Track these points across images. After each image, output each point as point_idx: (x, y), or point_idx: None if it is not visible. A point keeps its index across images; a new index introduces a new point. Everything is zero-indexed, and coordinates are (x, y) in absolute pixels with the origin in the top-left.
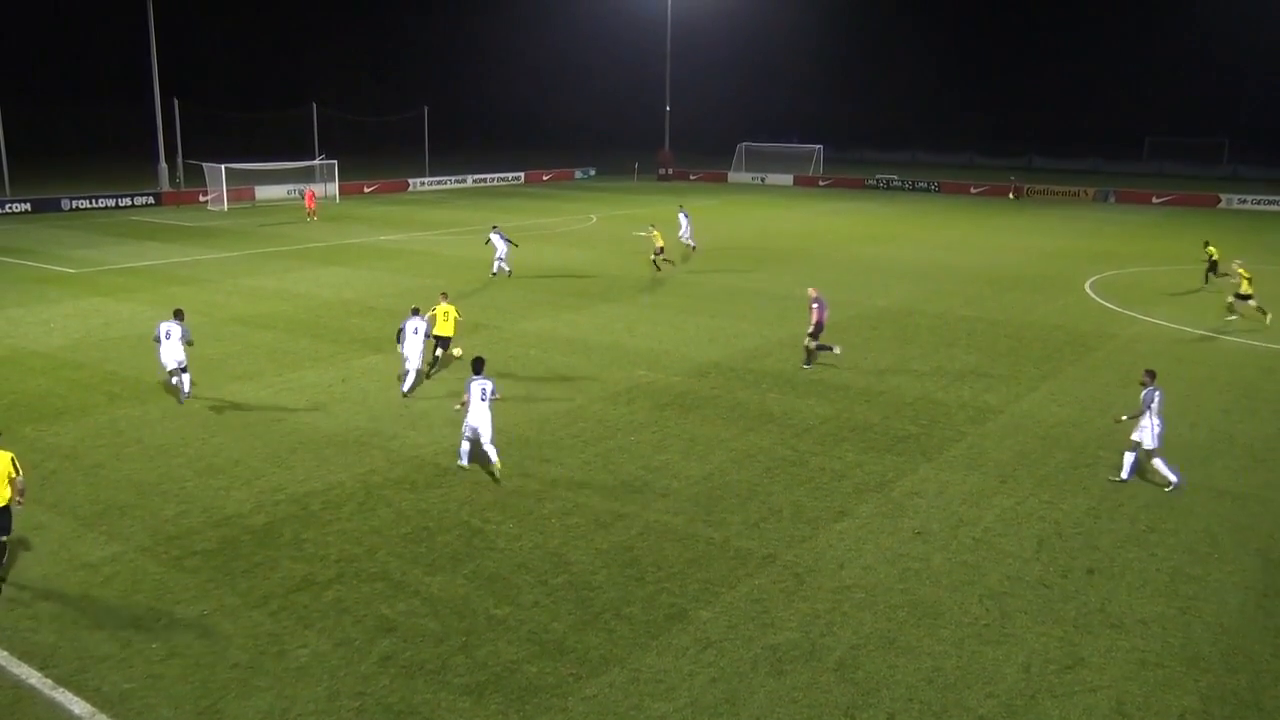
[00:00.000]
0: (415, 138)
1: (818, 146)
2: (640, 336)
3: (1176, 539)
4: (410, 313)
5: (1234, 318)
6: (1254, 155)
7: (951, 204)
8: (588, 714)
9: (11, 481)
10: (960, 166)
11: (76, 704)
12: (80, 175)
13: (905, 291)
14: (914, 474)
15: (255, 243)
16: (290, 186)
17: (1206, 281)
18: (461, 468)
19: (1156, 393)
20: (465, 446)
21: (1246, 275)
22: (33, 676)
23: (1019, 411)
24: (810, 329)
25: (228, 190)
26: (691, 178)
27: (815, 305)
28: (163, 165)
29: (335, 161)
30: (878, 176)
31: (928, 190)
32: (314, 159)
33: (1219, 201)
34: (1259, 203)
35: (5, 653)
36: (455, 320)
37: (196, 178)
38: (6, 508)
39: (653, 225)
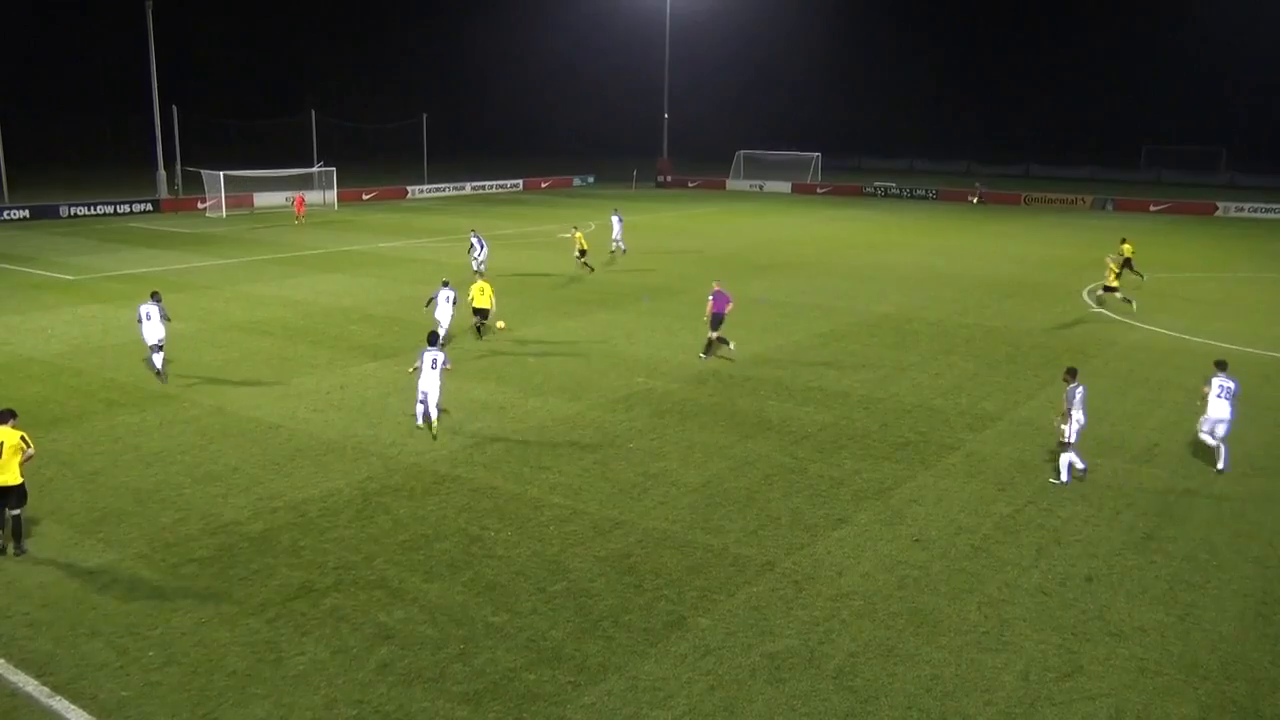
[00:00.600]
0: (414, 145)
1: (816, 154)
2: (639, 343)
3: (1175, 546)
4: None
5: (1134, 307)
6: (1252, 163)
7: (950, 212)
8: None
9: (23, 454)
10: (958, 174)
11: (73, 712)
12: (79, 182)
13: (903, 299)
14: (912, 481)
15: (254, 249)
16: (289, 194)
17: (1120, 278)
18: (417, 428)
19: (1079, 389)
20: (419, 409)
21: (1115, 269)
22: (29, 684)
23: (1017, 419)
24: (706, 318)
25: (226, 197)
26: (690, 185)
27: (711, 297)
28: (161, 172)
29: (334, 169)
30: (876, 184)
31: (926, 198)
32: (313, 166)
33: (1216, 209)
34: (1256, 210)
35: (2, 660)
36: (491, 295)
37: (195, 185)
38: (21, 485)
39: (575, 227)
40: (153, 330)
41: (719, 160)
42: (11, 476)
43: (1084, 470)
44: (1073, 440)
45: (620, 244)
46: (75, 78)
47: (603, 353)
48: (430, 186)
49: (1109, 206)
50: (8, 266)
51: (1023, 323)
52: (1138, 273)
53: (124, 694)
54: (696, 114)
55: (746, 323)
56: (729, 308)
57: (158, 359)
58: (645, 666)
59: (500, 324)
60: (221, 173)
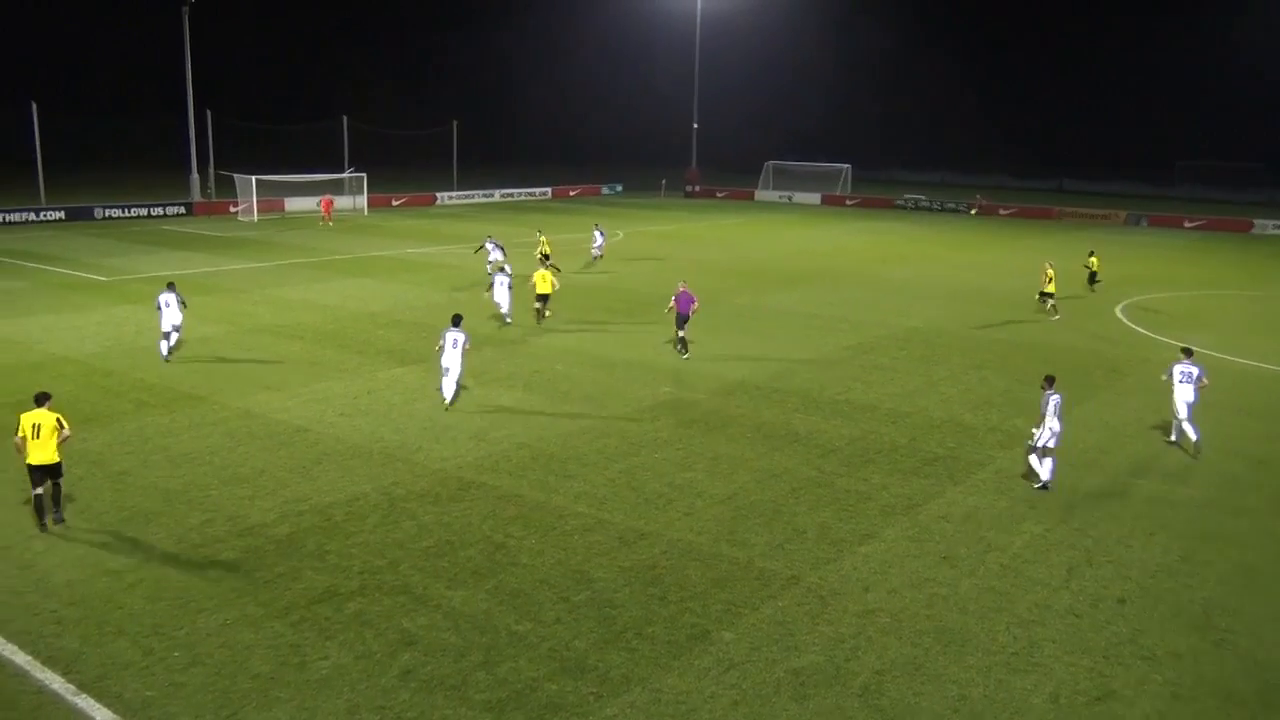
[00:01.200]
0: (444, 152)
1: (846, 166)
2: (665, 353)
3: (1211, 570)
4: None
5: (1057, 317)
6: None
7: (982, 226)
8: None
9: (57, 434)
10: (991, 188)
11: (99, 711)
12: (114, 184)
13: (934, 313)
14: (941, 497)
15: (283, 253)
16: (319, 198)
17: (1093, 290)
18: (447, 409)
19: (1053, 397)
20: (444, 383)
21: (1051, 274)
22: (55, 682)
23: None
24: (669, 314)
25: (258, 201)
26: (718, 195)
27: (675, 298)
28: (194, 176)
29: (364, 174)
30: (906, 197)
31: (957, 211)
32: (343, 171)
33: (1253, 226)
34: None
35: (29, 658)
36: (552, 282)
37: (228, 189)
38: (59, 464)
39: (540, 231)
40: (170, 317)
41: (748, 171)
42: (50, 455)
43: (1045, 483)
44: (1048, 445)
45: (599, 254)
46: (113, 80)
47: (629, 362)
48: (459, 193)
49: (1143, 222)
50: (43, 267)
51: (1056, 338)
52: (1094, 285)
53: (149, 694)
54: (726, 124)
55: (773, 334)
56: (694, 308)
57: (170, 341)
58: (668, 680)
59: (548, 313)
60: (254, 177)
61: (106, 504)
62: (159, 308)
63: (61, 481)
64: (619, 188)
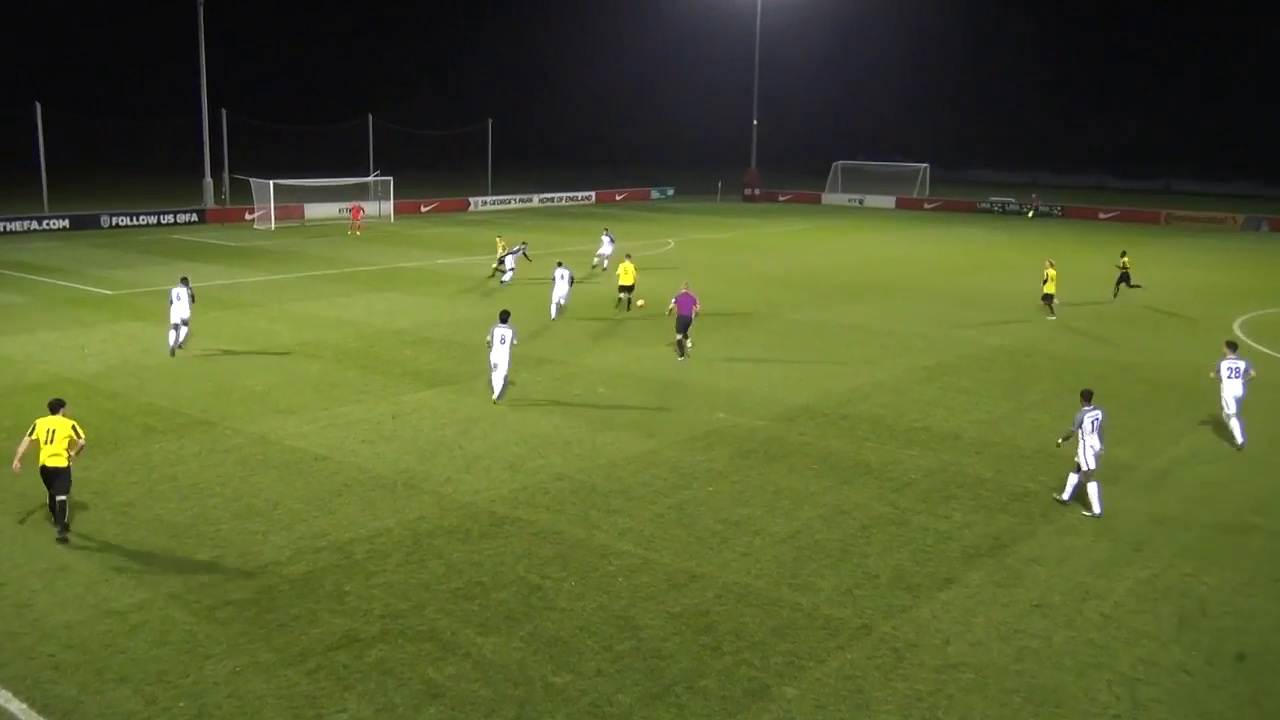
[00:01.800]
0: (477, 153)
1: (923, 165)
2: (720, 375)
3: None
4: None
5: (1053, 317)
6: None
7: (1078, 231)
8: None
9: (73, 443)
10: (1088, 189)
11: None
12: (122, 188)
13: (1022, 329)
14: (1032, 538)
15: (304, 264)
16: (342, 205)
17: (1115, 295)
18: (494, 404)
19: (1088, 413)
20: (493, 378)
21: (1052, 275)
22: None
23: (1155, 469)
24: (671, 317)
25: (276, 208)
26: (780, 199)
27: (676, 300)
28: (208, 180)
29: (391, 178)
30: (991, 199)
31: (1049, 215)
32: (368, 175)
33: None
34: None
35: (23, 705)
36: (633, 274)
37: (243, 194)
38: (68, 469)
39: (499, 236)
40: (179, 310)
41: (813, 172)
42: (60, 459)
43: (1096, 515)
44: (1092, 467)
45: (604, 262)
46: (121, 78)
47: (680, 384)
48: (495, 198)
49: (1264, 227)
50: (45, 280)
51: (1163, 358)
52: (1132, 287)
53: None
54: (789, 121)
55: (841, 354)
56: (696, 310)
57: (178, 335)
58: None
59: (641, 302)
60: (271, 181)
61: (109, 538)
62: (171, 301)
63: (68, 498)
64: (670, 191)
